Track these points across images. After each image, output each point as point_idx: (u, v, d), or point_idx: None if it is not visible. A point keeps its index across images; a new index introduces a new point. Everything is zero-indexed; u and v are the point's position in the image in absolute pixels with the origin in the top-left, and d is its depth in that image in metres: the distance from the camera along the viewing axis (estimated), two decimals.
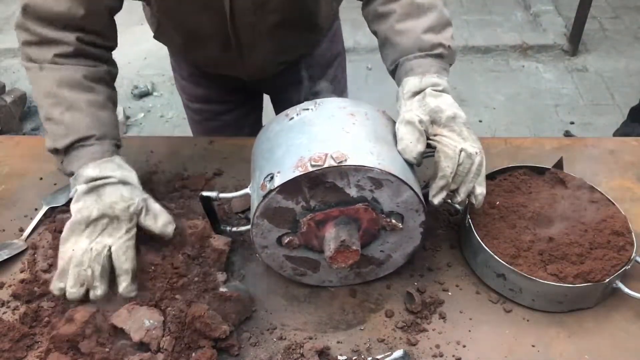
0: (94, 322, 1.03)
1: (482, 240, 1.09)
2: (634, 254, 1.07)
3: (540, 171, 1.26)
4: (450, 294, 1.12)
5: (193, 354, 0.99)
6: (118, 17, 1.17)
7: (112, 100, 1.15)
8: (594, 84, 3.78)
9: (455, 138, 1.02)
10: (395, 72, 1.15)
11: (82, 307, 1.05)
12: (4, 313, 1.09)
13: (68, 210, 1.04)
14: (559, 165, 1.27)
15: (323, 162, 0.91)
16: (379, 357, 1.00)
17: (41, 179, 1.38)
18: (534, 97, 3.68)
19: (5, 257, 1.19)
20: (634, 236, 1.10)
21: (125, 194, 1.02)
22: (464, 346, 1.02)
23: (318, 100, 1.06)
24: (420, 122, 1.02)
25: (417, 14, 1.12)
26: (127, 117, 3.52)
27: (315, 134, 0.99)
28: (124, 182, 1.04)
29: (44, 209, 1.29)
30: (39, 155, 1.45)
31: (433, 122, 1.04)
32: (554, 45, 4.04)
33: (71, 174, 1.06)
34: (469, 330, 1.05)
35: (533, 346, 1.02)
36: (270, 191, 0.95)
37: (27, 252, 1.21)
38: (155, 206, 1.06)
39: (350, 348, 1.03)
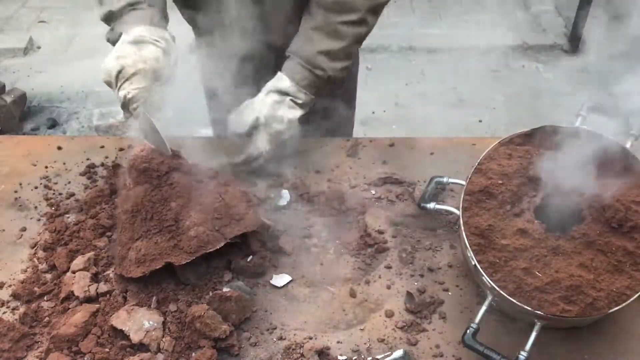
0: (94, 322, 1.03)
1: None
2: None
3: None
4: (450, 294, 1.12)
5: (193, 354, 0.99)
6: None
7: None
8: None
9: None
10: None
11: (82, 307, 1.05)
12: (4, 313, 1.09)
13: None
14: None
15: None
16: (379, 357, 1.00)
17: (41, 179, 1.38)
18: (534, 97, 3.68)
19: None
20: None
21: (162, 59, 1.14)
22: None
23: None
24: (253, 124, 1.26)
25: (330, 34, 1.28)
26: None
27: None
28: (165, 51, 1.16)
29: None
30: (39, 155, 1.45)
31: (260, 125, 1.27)
32: (554, 45, 4.04)
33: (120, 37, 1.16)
34: None
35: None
36: None
37: (27, 252, 1.21)
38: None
39: (350, 348, 1.03)
